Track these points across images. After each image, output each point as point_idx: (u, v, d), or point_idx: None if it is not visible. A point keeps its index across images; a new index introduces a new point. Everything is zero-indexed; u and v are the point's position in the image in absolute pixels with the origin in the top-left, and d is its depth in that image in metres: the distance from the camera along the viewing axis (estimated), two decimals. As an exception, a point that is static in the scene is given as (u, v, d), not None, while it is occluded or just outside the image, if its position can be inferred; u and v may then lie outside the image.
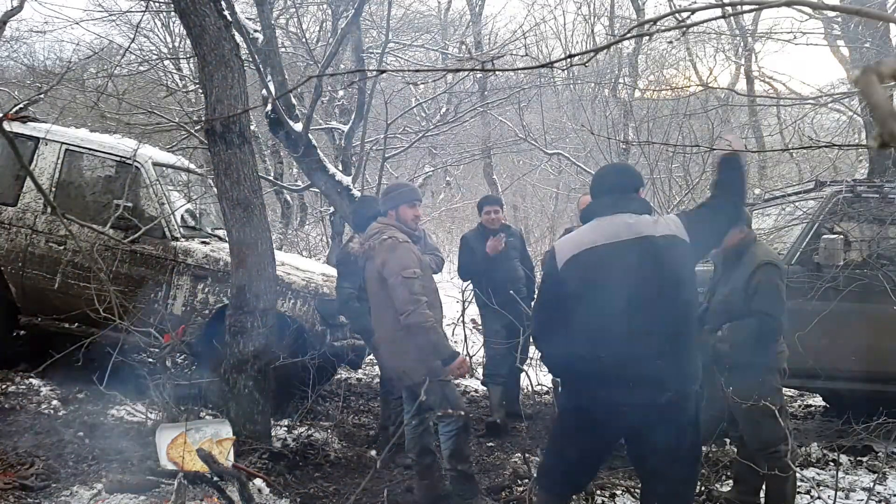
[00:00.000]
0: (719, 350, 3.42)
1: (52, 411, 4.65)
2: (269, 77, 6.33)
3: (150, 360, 5.87)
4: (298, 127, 6.31)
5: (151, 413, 4.54)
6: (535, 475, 2.90)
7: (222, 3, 4.28)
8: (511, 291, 4.94)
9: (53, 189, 5.50)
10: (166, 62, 13.76)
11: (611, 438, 2.80)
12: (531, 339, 2.84)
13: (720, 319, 3.50)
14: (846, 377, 4.96)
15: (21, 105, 6.46)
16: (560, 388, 2.91)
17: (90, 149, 5.62)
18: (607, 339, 2.53)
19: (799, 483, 3.54)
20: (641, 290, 2.53)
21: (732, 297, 3.48)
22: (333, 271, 6.32)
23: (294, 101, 6.93)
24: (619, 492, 3.91)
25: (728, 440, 4.45)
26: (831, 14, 6.80)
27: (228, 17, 4.31)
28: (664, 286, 2.55)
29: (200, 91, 7.33)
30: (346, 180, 6.54)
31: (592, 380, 2.57)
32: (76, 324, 5.31)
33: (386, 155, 9.49)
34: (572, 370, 2.67)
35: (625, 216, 2.65)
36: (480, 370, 7.86)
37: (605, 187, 2.76)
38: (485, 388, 7.18)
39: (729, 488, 3.89)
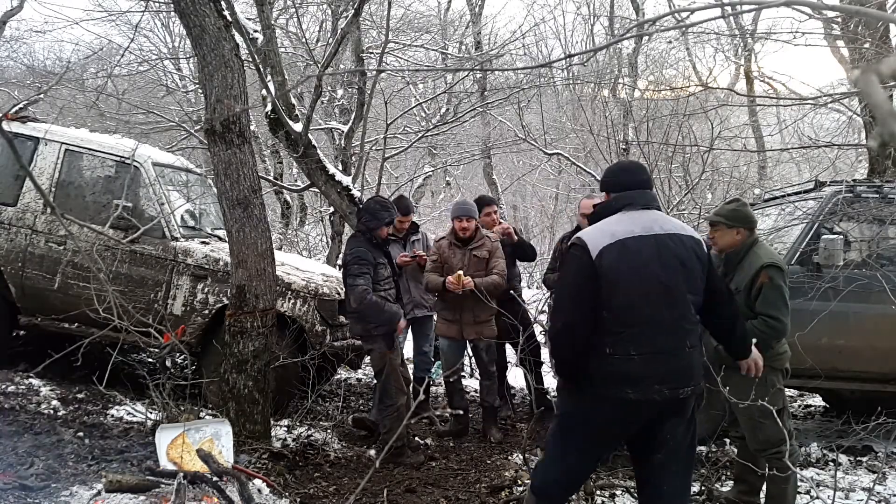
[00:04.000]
0: (721, 351, 3.42)
1: (52, 411, 4.65)
2: (269, 77, 6.33)
3: (150, 359, 5.88)
4: (298, 127, 6.31)
5: (151, 413, 4.55)
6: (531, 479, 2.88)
7: (222, 3, 4.28)
8: None
9: (53, 189, 5.50)
10: (166, 62, 13.77)
11: (621, 438, 2.78)
12: (548, 339, 2.78)
13: None
14: (846, 377, 4.96)
15: (21, 105, 6.47)
16: (562, 392, 2.87)
17: (90, 149, 5.62)
18: (641, 334, 2.52)
19: (799, 483, 3.53)
20: (674, 283, 2.55)
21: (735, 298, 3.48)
22: (333, 271, 6.33)
23: (294, 101, 6.92)
24: (618, 492, 3.91)
25: (728, 440, 4.44)
26: (831, 14, 6.79)
27: (228, 18, 4.31)
28: (691, 282, 2.58)
29: (200, 91, 7.33)
30: (346, 180, 6.54)
31: (620, 379, 2.52)
32: (76, 324, 5.31)
33: (386, 155, 9.49)
34: (595, 372, 2.56)
35: (653, 212, 2.69)
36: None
37: (631, 182, 2.74)
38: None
39: (729, 488, 3.90)
